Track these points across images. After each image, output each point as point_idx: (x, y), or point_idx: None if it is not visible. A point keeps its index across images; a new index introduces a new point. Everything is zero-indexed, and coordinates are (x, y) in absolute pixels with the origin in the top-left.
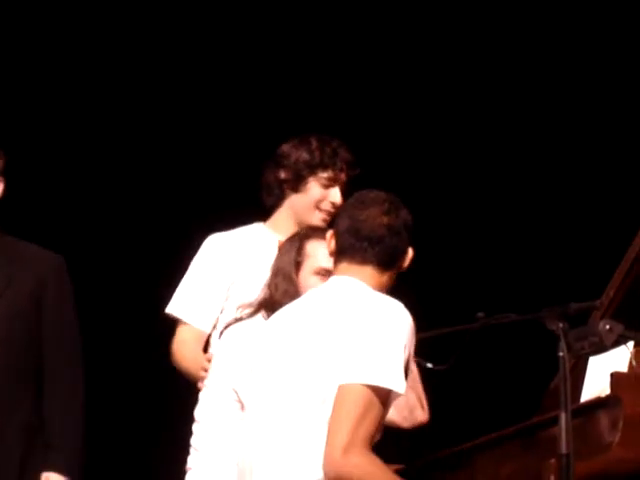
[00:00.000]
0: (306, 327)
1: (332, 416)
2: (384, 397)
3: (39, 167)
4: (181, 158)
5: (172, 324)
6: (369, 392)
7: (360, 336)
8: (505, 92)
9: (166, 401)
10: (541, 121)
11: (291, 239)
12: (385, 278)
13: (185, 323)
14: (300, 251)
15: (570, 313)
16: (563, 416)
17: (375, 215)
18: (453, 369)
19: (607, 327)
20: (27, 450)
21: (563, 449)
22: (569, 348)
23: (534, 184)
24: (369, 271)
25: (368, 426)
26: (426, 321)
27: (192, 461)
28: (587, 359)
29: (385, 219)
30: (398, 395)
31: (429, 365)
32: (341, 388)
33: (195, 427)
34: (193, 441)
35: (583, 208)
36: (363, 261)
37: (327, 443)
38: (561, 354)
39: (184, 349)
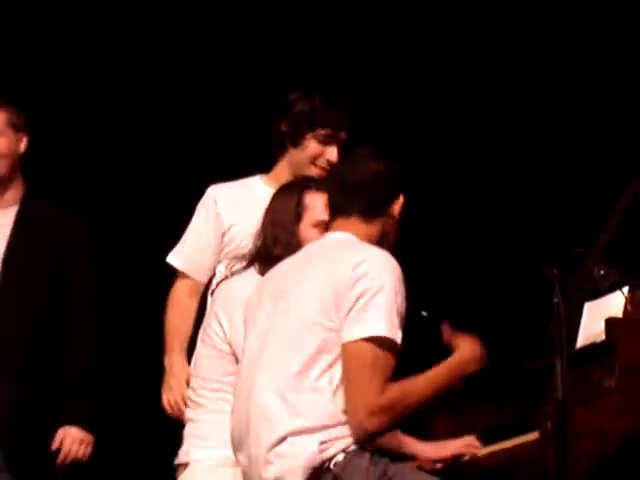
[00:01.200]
0: (301, 282)
1: (345, 377)
2: (388, 346)
3: (63, 131)
4: (198, 113)
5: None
6: (371, 346)
7: (352, 290)
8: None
9: None
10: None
11: (287, 189)
12: (374, 228)
13: (181, 273)
14: (300, 202)
15: (564, 260)
16: (558, 362)
17: (362, 165)
18: (448, 317)
19: (601, 273)
20: (45, 409)
21: (559, 395)
22: (564, 294)
23: (530, 130)
24: (356, 222)
25: (380, 377)
26: (421, 270)
27: (192, 413)
28: (582, 305)
29: (372, 166)
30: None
31: (424, 313)
32: (344, 347)
33: (192, 381)
34: (191, 394)
35: (575, 155)
36: (349, 214)
37: (349, 410)
38: (556, 300)
39: (172, 302)
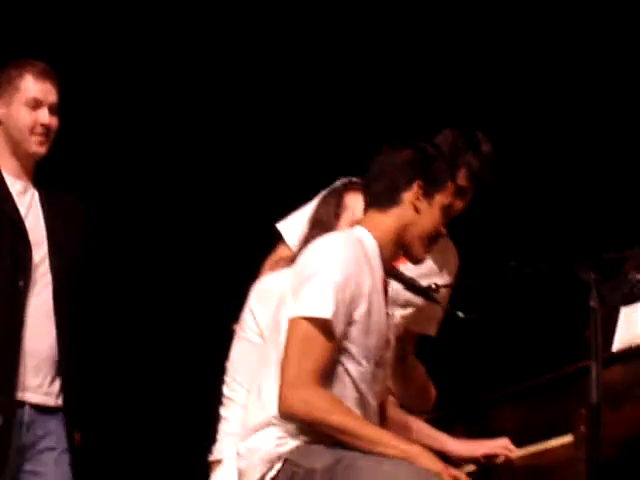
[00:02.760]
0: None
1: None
2: (322, 327)
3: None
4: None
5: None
6: (304, 324)
7: (297, 275)
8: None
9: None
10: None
11: (331, 191)
12: (389, 219)
13: (285, 243)
14: (339, 203)
15: (602, 263)
16: (594, 366)
17: (382, 157)
18: (485, 319)
19: (638, 277)
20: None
21: (593, 399)
22: (601, 298)
23: (567, 134)
24: (373, 215)
25: (313, 358)
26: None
27: (225, 411)
28: (619, 309)
29: (388, 156)
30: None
31: (460, 314)
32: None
33: (226, 377)
34: (225, 390)
35: (615, 158)
36: (368, 207)
37: (279, 381)
38: (593, 304)
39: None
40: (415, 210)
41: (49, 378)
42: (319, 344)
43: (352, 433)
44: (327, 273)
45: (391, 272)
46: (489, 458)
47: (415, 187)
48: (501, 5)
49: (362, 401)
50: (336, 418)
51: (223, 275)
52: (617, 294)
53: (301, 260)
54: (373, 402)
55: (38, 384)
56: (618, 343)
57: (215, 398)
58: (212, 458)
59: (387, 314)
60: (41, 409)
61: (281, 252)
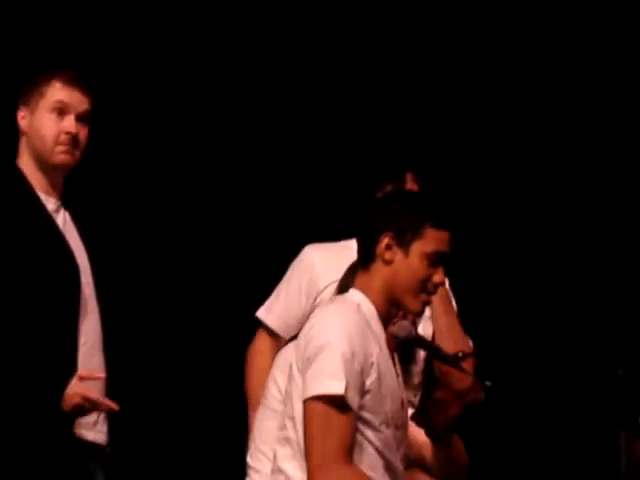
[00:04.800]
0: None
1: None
2: (337, 403)
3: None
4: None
5: (255, 325)
6: (319, 404)
7: (303, 352)
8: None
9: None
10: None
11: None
12: (371, 277)
13: (270, 331)
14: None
15: (630, 331)
16: (622, 436)
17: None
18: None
19: None
20: None
21: (622, 469)
22: (629, 366)
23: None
24: (361, 277)
25: (336, 437)
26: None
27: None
28: None
29: (364, 215)
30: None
31: (487, 383)
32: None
33: (250, 446)
34: (248, 461)
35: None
36: (357, 269)
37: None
38: (620, 372)
39: (254, 362)
40: (387, 263)
41: (102, 415)
42: (338, 421)
43: None
44: (333, 348)
45: (418, 343)
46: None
47: (385, 239)
48: (501, 5)
49: (389, 467)
50: None
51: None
52: None
53: (305, 334)
54: (400, 466)
55: (94, 421)
56: None
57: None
58: None
59: (397, 374)
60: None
61: (260, 344)
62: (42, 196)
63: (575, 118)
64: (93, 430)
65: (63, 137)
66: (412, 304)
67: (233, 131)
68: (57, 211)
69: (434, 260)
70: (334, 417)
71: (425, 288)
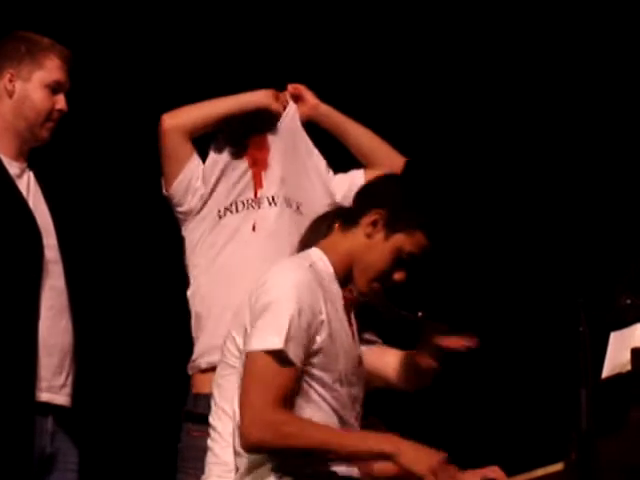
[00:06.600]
0: None
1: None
2: (277, 357)
3: None
4: None
5: None
6: (257, 358)
7: (253, 306)
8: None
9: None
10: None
11: (320, 217)
12: (346, 241)
13: None
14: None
15: (590, 288)
16: (583, 392)
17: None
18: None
19: (628, 302)
20: None
21: (583, 426)
22: (589, 322)
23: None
24: (335, 236)
25: (274, 388)
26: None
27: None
28: (608, 334)
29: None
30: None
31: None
32: None
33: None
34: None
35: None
36: (336, 222)
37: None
38: (581, 329)
39: None
40: (367, 236)
41: (71, 377)
42: (277, 374)
43: (331, 443)
44: (280, 304)
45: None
46: None
47: (375, 215)
48: (501, 5)
49: (344, 425)
50: (309, 433)
51: None
52: (606, 318)
53: (256, 291)
54: (355, 424)
55: (61, 384)
56: (608, 370)
57: None
58: None
59: (353, 334)
60: (62, 412)
61: None
62: (5, 160)
63: (575, 118)
64: (62, 394)
65: (55, 114)
66: (363, 285)
67: None
68: (20, 176)
69: (404, 259)
70: (273, 370)
71: (382, 278)
